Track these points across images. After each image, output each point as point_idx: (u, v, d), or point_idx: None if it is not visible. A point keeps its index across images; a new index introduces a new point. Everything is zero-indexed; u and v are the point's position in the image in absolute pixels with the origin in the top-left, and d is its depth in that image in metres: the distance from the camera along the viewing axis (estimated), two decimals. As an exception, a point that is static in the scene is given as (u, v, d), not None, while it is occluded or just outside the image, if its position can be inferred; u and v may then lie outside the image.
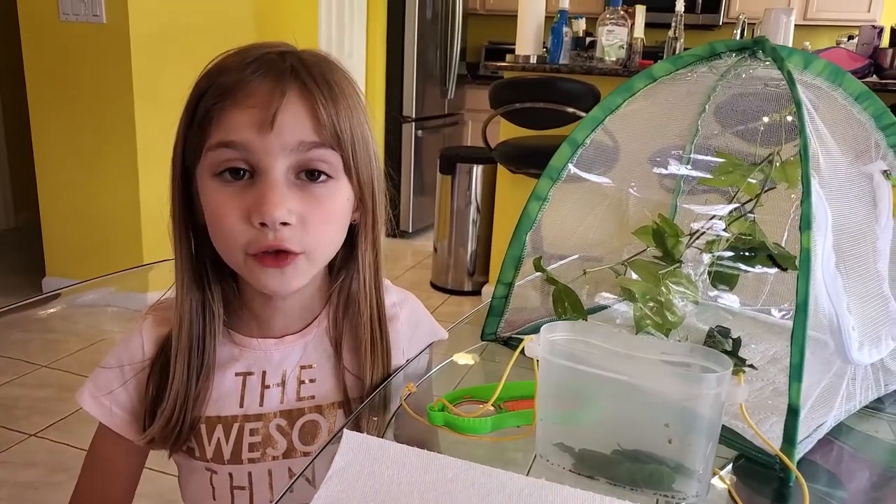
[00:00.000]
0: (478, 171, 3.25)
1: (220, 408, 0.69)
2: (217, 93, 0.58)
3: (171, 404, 0.65)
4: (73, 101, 2.79)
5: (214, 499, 0.70)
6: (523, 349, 0.57)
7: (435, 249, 3.47)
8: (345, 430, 0.52)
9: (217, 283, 0.67)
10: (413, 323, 0.78)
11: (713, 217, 0.81)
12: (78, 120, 2.81)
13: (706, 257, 0.84)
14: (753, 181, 0.70)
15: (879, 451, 0.69)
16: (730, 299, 0.80)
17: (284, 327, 0.71)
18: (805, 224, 0.57)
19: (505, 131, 2.87)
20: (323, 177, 0.60)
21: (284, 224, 0.57)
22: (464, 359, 0.82)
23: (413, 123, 4.08)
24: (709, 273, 0.81)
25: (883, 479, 0.66)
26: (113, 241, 2.86)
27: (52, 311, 2.98)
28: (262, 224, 0.57)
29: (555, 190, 0.82)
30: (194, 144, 0.60)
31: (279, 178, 0.57)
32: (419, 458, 0.51)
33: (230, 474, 0.69)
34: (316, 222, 0.59)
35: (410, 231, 4.28)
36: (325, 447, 0.55)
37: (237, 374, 0.69)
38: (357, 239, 0.68)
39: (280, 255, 0.58)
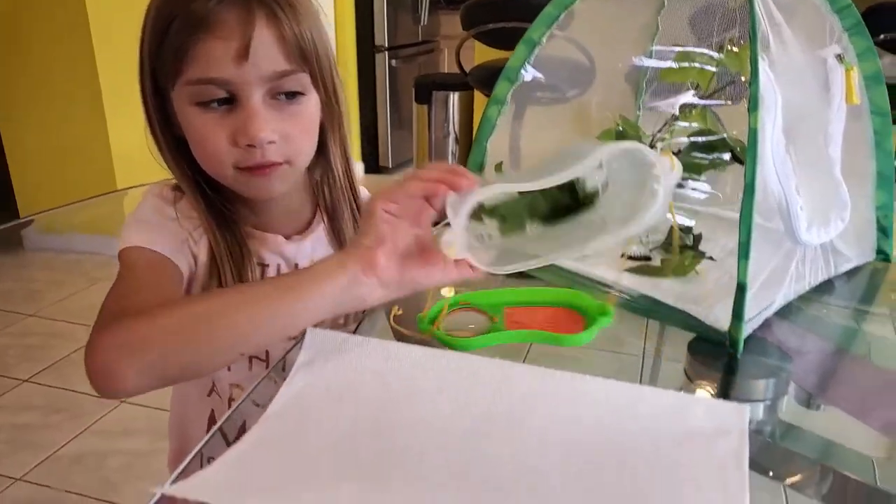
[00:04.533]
0: (454, 98, 3.21)
1: None
2: (188, 23, 0.60)
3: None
4: (30, 43, 2.70)
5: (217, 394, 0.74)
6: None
7: (415, 182, 3.45)
8: (308, 327, 0.54)
9: (216, 190, 0.70)
10: None
11: (674, 116, 0.82)
12: (37, 60, 2.73)
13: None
14: (710, 68, 0.71)
15: (827, 329, 0.72)
16: (698, 188, 0.81)
17: (284, 227, 0.75)
18: (753, 105, 0.58)
19: (480, 55, 2.82)
20: (297, 96, 0.65)
21: (270, 143, 0.63)
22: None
23: (386, 53, 3.98)
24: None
25: (829, 355, 0.70)
26: (84, 179, 2.82)
27: (33, 259, 2.98)
28: (249, 145, 0.62)
29: (534, 113, 0.82)
30: (167, 70, 0.63)
31: (259, 104, 0.62)
32: (381, 347, 0.53)
33: (266, 352, 0.73)
34: (296, 135, 0.65)
35: (391, 167, 4.25)
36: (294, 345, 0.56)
37: (257, 264, 0.74)
38: (326, 140, 0.70)
39: (266, 166, 0.64)
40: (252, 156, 0.63)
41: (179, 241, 0.68)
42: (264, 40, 0.61)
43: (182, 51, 0.61)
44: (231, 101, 0.62)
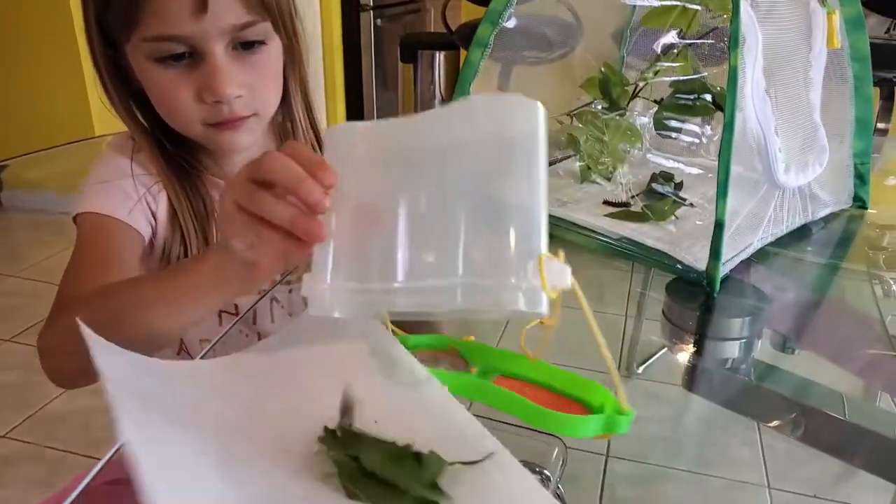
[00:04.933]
0: (440, 57, 3.16)
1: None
2: None
3: (182, 247, 0.68)
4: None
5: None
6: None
7: (401, 144, 3.42)
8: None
9: (173, 140, 0.68)
10: None
11: (658, 56, 0.81)
12: (7, 6, 2.65)
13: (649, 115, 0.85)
14: (693, 6, 0.70)
15: (804, 274, 0.73)
16: (682, 129, 0.81)
17: None
18: (733, 43, 0.57)
19: (466, 13, 2.78)
20: (259, 45, 0.62)
21: (237, 97, 0.61)
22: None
23: (371, 12, 3.90)
24: (655, 113, 0.81)
25: (805, 299, 0.71)
26: (62, 129, 2.75)
27: (13, 220, 2.94)
28: (216, 101, 0.61)
29: (520, 71, 0.80)
30: (119, 24, 0.60)
31: (222, 57, 0.59)
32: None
33: (235, 304, 0.73)
34: (261, 86, 0.63)
35: (376, 128, 4.20)
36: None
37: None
38: (287, 82, 0.69)
39: (234, 121, 0.63)
40: (219, 112, 0.61)
41: (136, 200, 0.66)
42: None
43: (134, 5, 0.57)
44: (192, 55, 0.60)
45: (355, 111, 4.23)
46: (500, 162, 0.36)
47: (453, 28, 2.78)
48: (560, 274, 0.33)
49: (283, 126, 0.73)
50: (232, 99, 0.61)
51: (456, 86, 0.79)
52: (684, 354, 0.64)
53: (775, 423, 0.59)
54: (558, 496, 0.61)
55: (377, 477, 0.34)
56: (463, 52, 2.91)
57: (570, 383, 0.43)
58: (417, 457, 0.35)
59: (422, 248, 0.37)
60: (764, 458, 1.35)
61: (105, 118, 0.67)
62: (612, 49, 1.00)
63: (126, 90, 0.65)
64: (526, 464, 0.44)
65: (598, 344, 0.38)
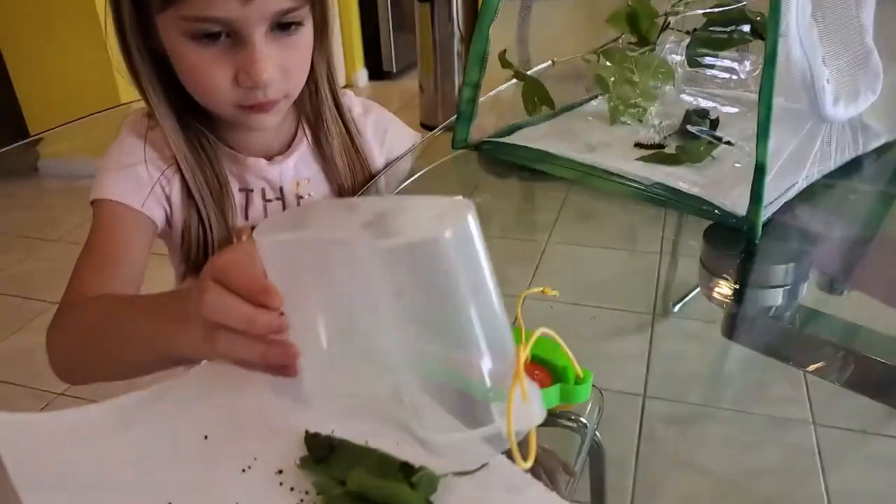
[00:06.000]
0: (458, -5, 3.05)
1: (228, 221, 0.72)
2: None
3: (201, 226, 0.68)
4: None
5: None
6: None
7: (421, 88, 3.34)
8: None
9: (192, 111, 0.67)
10: (381, 131, 0.79)
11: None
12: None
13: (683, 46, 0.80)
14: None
15: (853, 211, 0.69)
16: (718, 64, 0.75)
17: (267, 149, 0.72)
18: (775, -35, 0.52)
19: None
20: (296, 26, 0.61)
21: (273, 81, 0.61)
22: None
23: (386, -48, 3.78)
24: (689, 45, 0.76)
25: (854, 238, 0.67)
26: (91, 99, 2.78)
27: (49, 186, 2.98)
28: (252, 86, 0.60)
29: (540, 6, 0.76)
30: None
31: (261, 42, 0.58)
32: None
33: None
34: (294, 69, 0.62)
35: (395, 71, 4.12)
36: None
37: (240, 190, 0.72)
38: (313, 54, 0.66)
39: (266, 103, 0.62)
40: (254, 95, 0.61)
41: (150, 187, 0.67)
42: None
43: None
44: (229, 36, 0.58)
45: (373, 54, 4.15)
46: (436, 276, 0.30)
47: (471, -38, 2.67)
48: (528, 410, 0.29)
49: (306, 98, 0.71)
50: (269, 83, 0.60)
51: (475, 28, 0.75)
52: (724, 302, 0.61)
53: (823, 371, 0.56)
54: (596, 443, 0.60)
55: (367, 499, 0.31)
56: (482, -12, 2.80)
57: (537, 345, 0.39)
58: (406, 469, 0.32)
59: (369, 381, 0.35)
60: (809, 394, 1.32)
61: (130, 87, 0.66)
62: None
63: (151, 60, 0.63)
64: (560, 413, 0.42)
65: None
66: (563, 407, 0.39)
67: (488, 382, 0.30)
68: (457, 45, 3.15)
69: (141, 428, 0.38)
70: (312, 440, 0.36)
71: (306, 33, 0.63)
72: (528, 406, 0.29)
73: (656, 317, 1.65)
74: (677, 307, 1.61)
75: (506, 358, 0.30)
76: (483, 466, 0.33)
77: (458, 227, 0.29)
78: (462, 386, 0.31)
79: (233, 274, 0.37)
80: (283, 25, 0.60)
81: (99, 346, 0.53)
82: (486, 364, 0.29)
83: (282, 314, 0.36)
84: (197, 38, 0.58)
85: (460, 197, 0.31)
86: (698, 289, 0.68)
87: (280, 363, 0.37)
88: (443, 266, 0.29)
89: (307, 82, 0.68)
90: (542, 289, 0.38)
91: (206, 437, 0.37)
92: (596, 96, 0.90)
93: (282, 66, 0.61)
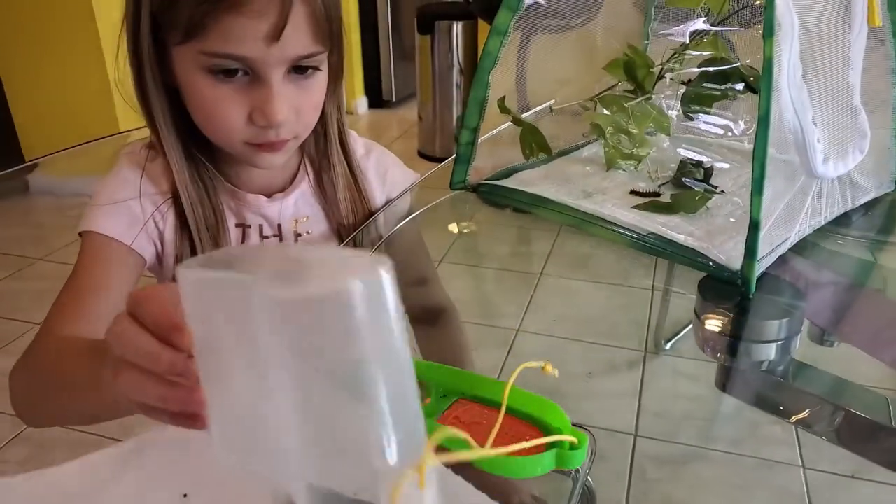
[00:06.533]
0: (458, 28, 3.09)
1: None
2: None
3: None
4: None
5: None
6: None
7: (420, 117, 3.38)
8: None
9: (196, 143, 0.67)
10: (381, 172, 0.79)
11: (684, 45, 0.77)
12: (34, 4, 2.66)
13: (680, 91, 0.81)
14: (721, -7, 0.66)
15: (843, 264, 0.70)
16: (710, 122, 0.77)
17: (267, 186, 0.73)
18: (768, 31, 0.54)
19: (482, -18, 2.70)
20: (312, 70, 0.62)
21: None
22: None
23: (387, -17, 3.84)
24: (682, 99, 0.78)
25: (844, 290, 0.68)
26: (87, 122, 2.78)
27: (39, 203, 2.97)
28: (266, 125, 0.60)
29: (539, 42, 0.77)
30: (176, 27, 0.57)
31: (279, 83, 0.59)
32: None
33: None
34: (307, 111, 0.63)
35: (394, 100, 4.16)
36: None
37: (237, 226, 0.72)
38: (326, 96, 0.67)
39: (276, 143, 0.62)
40: (266, 134, 0.61)
41: (143, 222, 0.66)
42: (296, 20, 0.56)
43: (202, 17, 0.55)
44: (246, 73, 0.59)
45: (373, 83, 4.19)
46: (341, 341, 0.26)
47: (470, -3, 2.72)
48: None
49: (320, 148, 0.72)
50: (282, 124, 0.60)
51: (475, 75, 0.76)
52: (718, 354, 0.62)
53: (814, 426, 0.57)
54: (587, 489, 0.60)
55: None
56: (481, 23, 2.85)
57: (530, 404, 0.40)
58: None
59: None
60: (798, 437, 1.32)
61: (129, 114, 0.66)
62: (634, 15, 0.96)
63: (164, 91, 0.63)
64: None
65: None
66: (558, 470, 0.38)
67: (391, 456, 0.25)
68: (456, 77, 3.19)
69: (115, 491, 0.37)
70: None
71: (322, 78, 0.63)
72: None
73: (648, 354, 1.65)
74: (669, 345, 1.62)
75: (414, 435, 0.26)
76: None
77: (369, 281, 0.25)
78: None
79: (147, 307, 0.33)
80: (300, 68, 0.60)
81: (55, 390, 0.52)
82: (390, 436, 0.25)
83: (190, 357, 0.32)
84: (214, 73, 0.58)
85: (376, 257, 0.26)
86: (690, 326, 0.69)
87: (182, 410, 0.33)
88: (348, 322, 0.25)
89: (317, 124, 0.68)
90: (543, 365, 0.37)
91: (184, 496, 0.36)
92: (591, 140, 0.92)
93: (296, 107, 0.61)
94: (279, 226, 0.73)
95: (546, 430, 0.39)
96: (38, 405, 0.56)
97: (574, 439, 0.38)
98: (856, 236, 0.72)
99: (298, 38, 0.57)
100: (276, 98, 0.58)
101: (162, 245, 0.68)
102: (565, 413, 0.40)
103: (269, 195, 0.72)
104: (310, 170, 0.74)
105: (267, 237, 0.73)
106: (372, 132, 3.88)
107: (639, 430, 1.39)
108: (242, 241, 0.72)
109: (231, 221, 0.71)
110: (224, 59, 0.57)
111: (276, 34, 0.55)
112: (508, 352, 1.44)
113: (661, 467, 1.32)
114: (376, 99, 4.16)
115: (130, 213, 0.66)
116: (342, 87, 0.70)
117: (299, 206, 0.73)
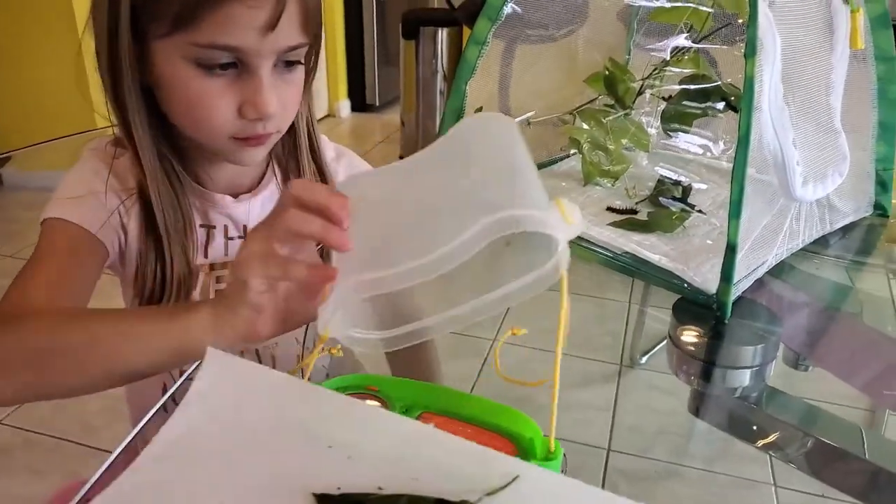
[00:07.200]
0: (443, 35, 3.08)
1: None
2: None
3: (160, 261, 0.66)
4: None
5: None
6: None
7: (402, 123, 3.36)
8: (209, 348, 0.45)
9: (165, 139, 0.65)
10: None
11: (665, 61, 0.77)
12: (10, 3, 2.61)
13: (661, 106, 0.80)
14: (705, 8, 0.65)
15: (820, 288, 0.69)
16: (690, 140, 0.76)
17: (233, 185, 0.71)
18: (750, 50, 0.53)
19: (468, -11, 2.70)
20: (296, 64, 0.61)
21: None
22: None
23: (373, -13, 3.83)
24: (662, 116, 0.77)
25: (820, 314, 0.67)
26: (63, 116, 2.73)
27: (13, 199, 2.91)
28: (256, 119, 0.59)
29: (523, 52, 0.76)
30: (159, 18, 0.55)
31: (268, 75, 0.58)
32: (291, 387, 0.42)
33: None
34: (291, 104, 0.62)
35: (377, 104, 4.14)
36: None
37: (201, 226, 0.70)
38: None
39: (262, 137, 0.62)
40: (254, 128, 0.60)
41: (108, 213, 0.64)
42: (290, 11, 0.56)
43: (195, 7, 0.54)
44: (235, 66, 0.57)
45: (357, 88, 4.17)
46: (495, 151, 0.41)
47: (456, 5, 2.71)
48: (575, 211, 0.37)
49: (288, 148, 0.71)
50: (271, 116, 0.59)
51: (451, 87, 0.75)
52: (692, 379, 0.60)
53: (788, 455, 0.56)
54: None
55: None
56: (466, 30, 2.83)
57: (499, 415, 0.40)
58: None
59: (436, 227, 0.38)
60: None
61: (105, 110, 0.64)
62: (618, 29, 0.95)
63: (138, 85, 0.61)
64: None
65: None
66: None
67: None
68: (440, 83, 3.18)
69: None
70: (324, 500, 0.33)
71: (301, 72, 0.63)
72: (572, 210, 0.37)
73: (623, 368, 1.64)
74: (644, 359, 1.60)
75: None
76: (515, 479, 0.33)
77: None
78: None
79: (306, 189, 0.43)
80: (286, 62, 0.60)
81: (61, 355, 0.50)
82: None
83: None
84: (202, 66, 0.57)
85: None
86: (666, 341, 0.68)
87: (318, 266, 0.42)
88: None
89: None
90: (510, 330, 0.40)
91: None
92: (569, 154, 0.91)
93: (282, 101, 0.60)
94: (245, 227, 0.71)
95: (517, 442, 0.38)
96: (23, 374, 0.50)
97: (551, 449, 0.37)
98: (833, 258, 0.71)
99: (290, 29, 0.56)
100: (266, 89, 0.57)
101: (126, 240, 0.66)
102: (537, 424, 0.40)
103: (235, 196, 0.70)
104: (278, 171, 0.73)
105: (232, 238, 0.71)
106: (355, 136, 3.86)
107: (612, 444, 1.38)
108: (206, 243, 0.70)
109: (196, 222, 0.69)
110: (216, 50, 0.55)
111: (273, 23, 0.54)
112: (483, 362, 1.43)
113: (634, 483, 1.31)
114: (360, 103, 4.14)
115: (96, 202, 0.64)
116: (311, 87, 0.69)
117: (266, 208, 0.71)
